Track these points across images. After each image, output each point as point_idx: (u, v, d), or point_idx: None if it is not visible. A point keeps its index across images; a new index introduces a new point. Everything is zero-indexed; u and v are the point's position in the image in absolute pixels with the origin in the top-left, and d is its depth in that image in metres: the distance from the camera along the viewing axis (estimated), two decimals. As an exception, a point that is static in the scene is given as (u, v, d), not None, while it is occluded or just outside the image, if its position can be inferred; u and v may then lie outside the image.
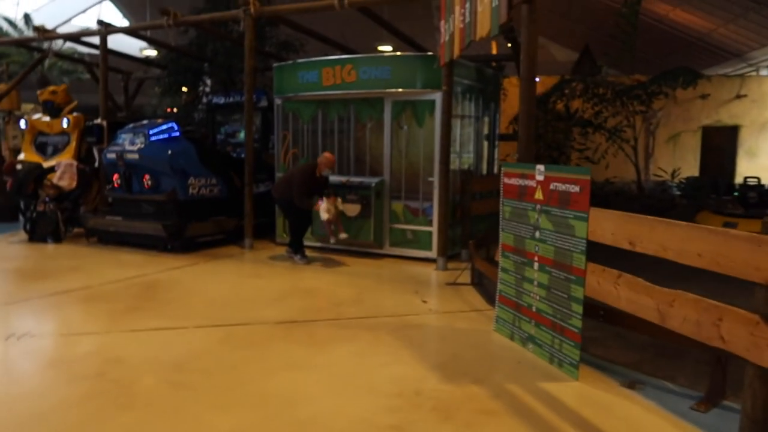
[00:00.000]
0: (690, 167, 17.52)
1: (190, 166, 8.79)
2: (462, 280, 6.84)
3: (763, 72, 19.85)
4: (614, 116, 12.70)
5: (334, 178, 8.27)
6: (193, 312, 5.59)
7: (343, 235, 7.88)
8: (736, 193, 10.06)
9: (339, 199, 7.93)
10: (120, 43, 15.86)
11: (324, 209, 7.65)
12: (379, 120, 8.32)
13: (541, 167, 4.42)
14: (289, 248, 8.12)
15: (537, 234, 4.46)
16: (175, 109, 14.62)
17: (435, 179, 7.90)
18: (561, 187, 4.17)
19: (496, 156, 9.85)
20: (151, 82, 14.76)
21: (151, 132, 8.70)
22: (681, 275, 3.87)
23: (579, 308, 4.00)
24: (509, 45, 10.78)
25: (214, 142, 9.90)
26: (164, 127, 8.84)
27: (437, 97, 7.73)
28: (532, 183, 4.51)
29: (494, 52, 15.92)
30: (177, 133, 8.93)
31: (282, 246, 9.11)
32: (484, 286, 6.64)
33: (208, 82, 13.97)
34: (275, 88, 9.05)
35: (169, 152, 8.56)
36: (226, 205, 9.27)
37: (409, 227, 8.20)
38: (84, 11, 27.86)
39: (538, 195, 4.44)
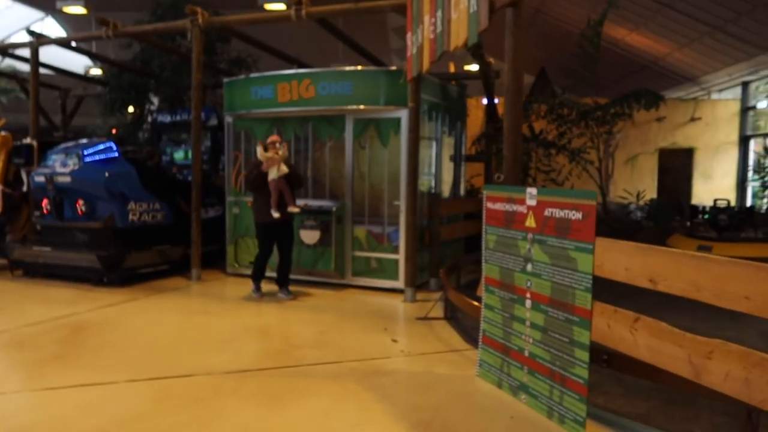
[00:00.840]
0: (648, 189, 17.52)
1: (130, 189, 7.94)
2: (434, 314, 6.22)
3: (715, 96, 20.20)
4: (579, 137, 12.41)
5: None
6: (127, 361, 4.77)
7: (295, 209, 6.76)
8: (706, 216, 9.82)
9: (284, 146, 6.82)
10: (63, 59, 14.83)
11: (264, 154, 6.60)
12: (340, 139, 7.70)
13: (532, 190, 3.86)
14: (279, 282, 7.06)
15: (529, 267, 3.88)
16: (116, 130, 13.66)
17: (401, 203, 7.30)
18: (558, 213, 3.60)
19: (462, 178, 9.34)
20: (93, 100, 13.76)
21: (85, 152, 7.84)
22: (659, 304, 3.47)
23: (584, 355, 3.41)
24: (471, 65, 10.37)
25: (159, 163, 9.09)
26: (101, 147, 7.99)
27: (403, 114, 7.17)
28: (522, 209, 3.94)
29: (452, 71, 15.59)
30: (115, 154, 8.08)
31: (234, 276, 8.34)
32: (458, 320, 6.03)
33: (155, 100, 13.12)
34: (226, 104, 8.34)
35: (106, 174, 7.71)
36: (171, 233, 8.43)
37: (373, 255, 7.56)
38: (25, 28, 26.48)
39: (530, 222, 3.87)
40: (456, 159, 9.05)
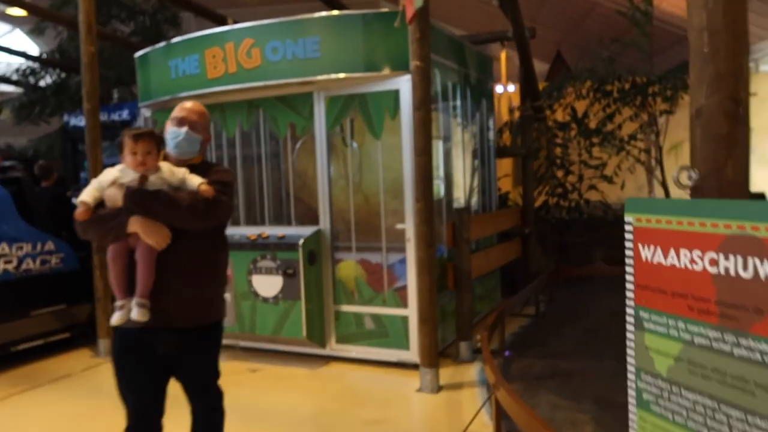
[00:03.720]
0: (695, 181, 14.84)
1: (1, 225, 5.27)
2: (478, 427, 3.48)
3: (764, 67, 17.40)
4: (632, 120, 9.70)
5: (236, 231, 4.93)
6: None
7: (139, 318, 2.30)
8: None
9: (163, 165, 2.41)
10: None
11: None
12: (308, 131, 5.00)
13: None
14: None
15: None
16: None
17: (408, 227, 4.58)
18: None
19: (493, 181, 6.57)
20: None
21: None
22: None
23: None
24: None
25: (58, 184, 6.43)
26: (-49, 163, 5.32)
27: (403, 84, 4.46)
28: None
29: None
30: (-22, 173, 5.43)
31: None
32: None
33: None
34: (140, 91, 5.65)
35: (-45, 205, 5.04)
36: (75, 284, 5.74)
37: (367, 310, 4.82)
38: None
39: None
40: (482, 155, 6.30)
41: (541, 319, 5.98)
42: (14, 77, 9.57)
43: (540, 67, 21.56)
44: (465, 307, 4.80)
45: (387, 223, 4.83)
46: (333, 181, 5.01)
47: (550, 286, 6.61)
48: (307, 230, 4.88)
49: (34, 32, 9.38)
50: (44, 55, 9.58)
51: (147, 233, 2.29)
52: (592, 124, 9.70)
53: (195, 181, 2.40)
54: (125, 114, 7.13)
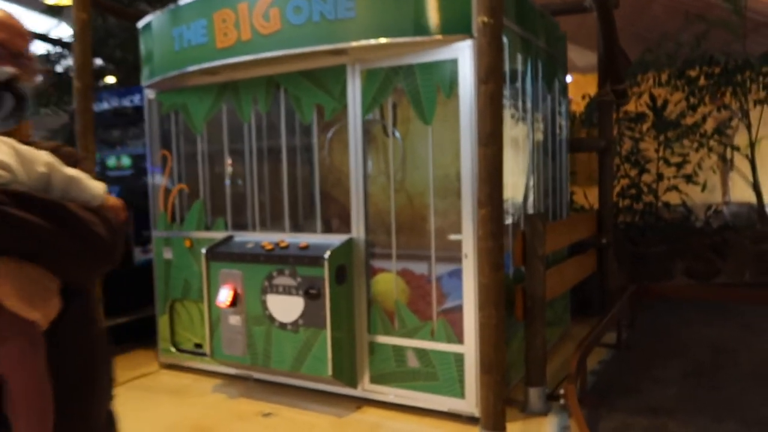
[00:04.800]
0: (775, 184, 13.22)
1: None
2: None
3: None
4: (719, 111, 8.42)
5: (249, 238, 4.00)
6: None
7: None
8: None
9: None
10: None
11: None
12: (339, 114, 3.98)
13: None
14: None
15: None
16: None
17: (465, 239, 3.52)
18: None
19: (565, 180, 5.43)
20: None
21: None
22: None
23: None
24: None
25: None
26: None
27: (463, 51, 3.40)
28: None
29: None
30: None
31: (170, 370, 4.75)
32: None
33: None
34: (143, 68, 4.74)
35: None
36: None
37: (410, 343, 3.78)
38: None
39: None
40: (553, 147, 5.17)
41: (625, 352, 4.83)
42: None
43: (593, 59, 20.18)
44: (537, 344, 3.71)
45: (434, 229, 3.79)
46: (372, 178, 4.00)
47: (632, 309, 5.46)
48: (336, 239, 3.87)
49: (48, 13, 8.70)
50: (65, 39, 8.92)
51: (22, 293, 1.03)
52: (670, 116, 8.45)
53: (92, 184, 1.21)
54: (137, 99, 6.29)
